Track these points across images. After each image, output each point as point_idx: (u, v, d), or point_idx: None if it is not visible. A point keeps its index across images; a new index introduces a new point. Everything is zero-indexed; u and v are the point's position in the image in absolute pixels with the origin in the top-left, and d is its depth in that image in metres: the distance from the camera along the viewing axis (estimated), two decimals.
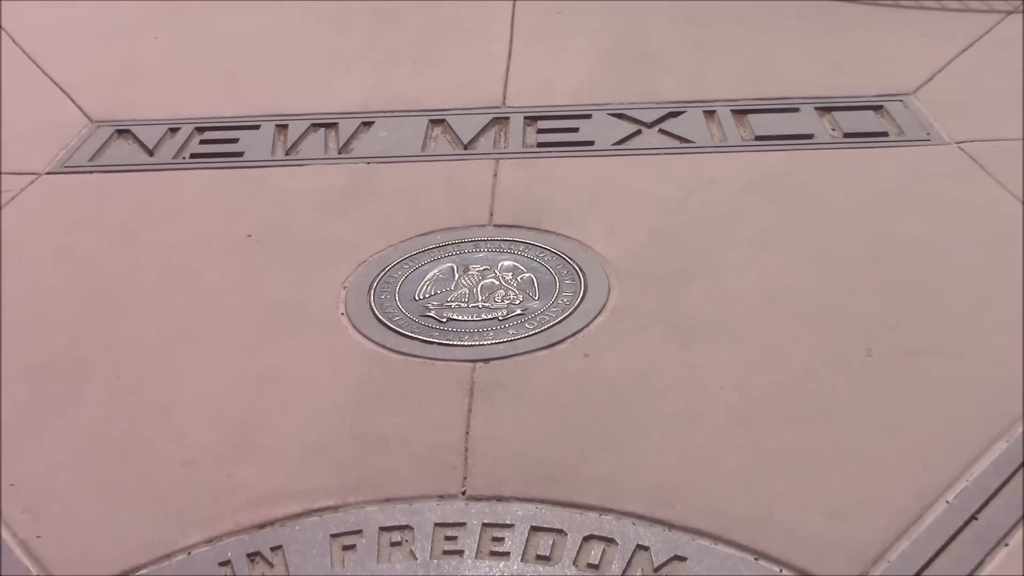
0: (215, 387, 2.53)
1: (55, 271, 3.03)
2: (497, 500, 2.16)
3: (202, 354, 2.65)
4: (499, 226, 3.11)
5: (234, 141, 3.67)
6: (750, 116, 3.65)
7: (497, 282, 2.85)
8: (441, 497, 2.18)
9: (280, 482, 2.24)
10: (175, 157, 3.60)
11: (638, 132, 3.61)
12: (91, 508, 2.21)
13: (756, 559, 2.02)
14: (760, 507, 2.12)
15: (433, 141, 3.64)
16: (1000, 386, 2.39)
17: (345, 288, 2.86)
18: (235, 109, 3.89)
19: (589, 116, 3.72)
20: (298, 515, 2.15)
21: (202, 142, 3.68)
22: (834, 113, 3.64)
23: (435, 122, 3.73)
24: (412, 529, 2.10)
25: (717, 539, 2.05)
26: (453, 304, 2.77)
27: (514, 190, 3.29)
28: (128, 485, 2.26)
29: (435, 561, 2.04)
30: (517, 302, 2.77)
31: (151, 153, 3.63)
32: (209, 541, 2.10)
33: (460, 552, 2.06)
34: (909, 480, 2.16)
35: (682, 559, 2.02)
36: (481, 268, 2.90)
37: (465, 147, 3.57)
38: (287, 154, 3.59)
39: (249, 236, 3.12)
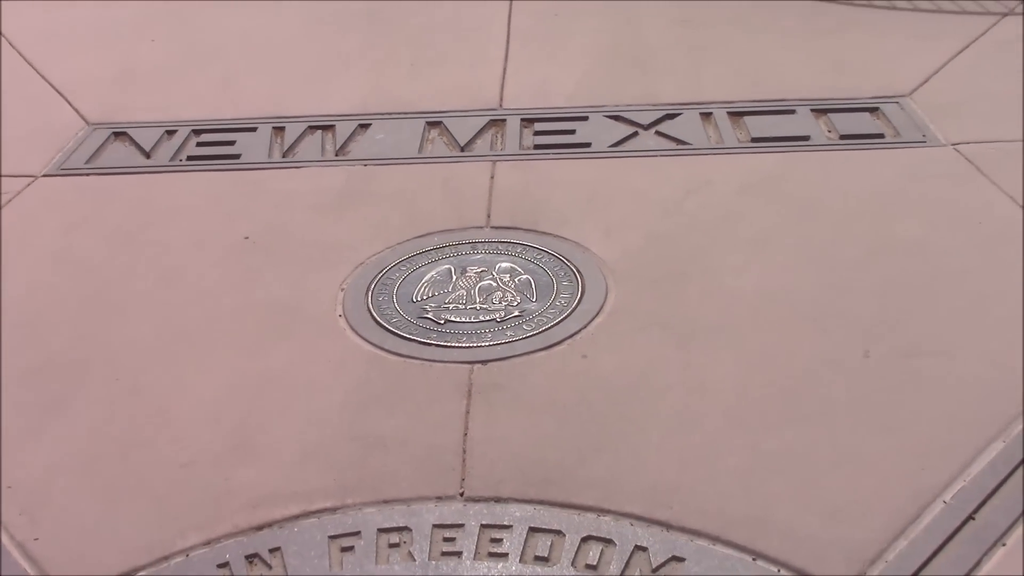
0: (213, 389, 2.53)
1: (52, 273, 3.03)
2: (495, 501, 2.17)
3: (200, 356, 2.65)
4: (496, 228, 3.11)
5: (231, 143, 3.67)
6: (746, 118, 3.66)
7: (495, 284, 2.85)
8: (439, 498, 2.18)
9: (278, 484, 2.24)
10: (172, 159, 3.60)
11: (635, 134, 3.62)
12: (89, 510, 2.21)
13: (754, 559, 2.02)
14: (758, 507, 2.12)
15: (430, 143, 3.64)
16: (997, 386, 2.39)
17: (343, 290, 2.86)
18: (232, 111, 3.89)
19: (586, 118, 3.73)
20: (296, 517, 2.15)
21: (199, 144, 3.68)
22: (830, 115, 3.65)
23: (432, 124, 3.74)
24: (410, 530, 2.10)
25: (715, 539, 2.06)
26: (451, 306, 2.77)
27: (511, 192, 3.29)
28: (126, 487, 2.26)
29: (433, 562, 2.04)
30: (515, 304, 2.77)
31: (148, 155, 3.63)
32: (207, 543, 2.10)
33: (458, 553, 2.06)
34: (907, 480, 2.16)
35: (680, 560, 2.02)
36: (479, 270, 2.90)
37: (462, 149, 3.58)
38: (284, 156, 3.59)
39: (246, 238, 3.12)
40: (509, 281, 2.86)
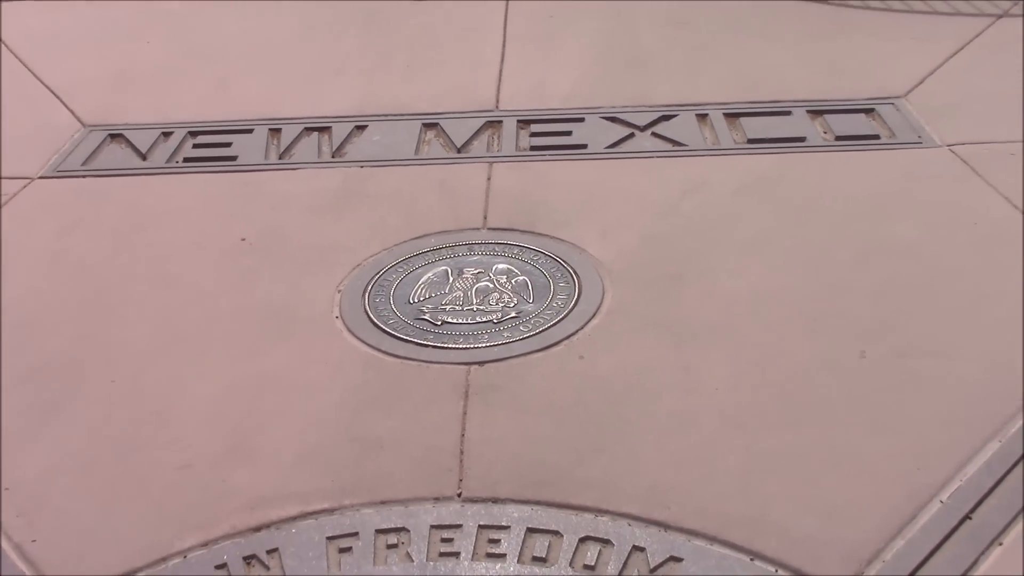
0: (210, 391, 2.53)
1: (49, 275, 3.02)
2: (493, 502, 2.17)
3: (197, 358, 2.65)
4: (493, 229, 3.11)
5: (227, 145, 3.67)
6: (742, 119, 3.67)
7: (491, 285, 2.85)
8: (437, 499, 2.18)
9: (276, 485, 2.24)
10: (168, 161, 3.60)
11: (631, 135, 3.62)
12: (87, 512, 2.20)
13: (752, 559, 2.02)
14: (755, 508, 2.12)
15: (426, 145, 3.64)
16: (993, 386, 2.40)
17: (340, 291, 2.86)
18: (228, 113, 3.89)
19: (582, 120, 3.73)
20: (294, 518, 2.15)
21: (195, 146, 3.68)
22: (826, 116, 3.66)
23: (428, 126, 3.74)
24: (408, 531, 2.11)
25: (713, 540, 2.06)
26: (448, 307, 2.77)
27: (508, 193, 3.29)
28: (124, 489, 2.26)
29: (431, 563, 2.04)
30: (512, 305, 2.77)
31: (144, 157, 3.63)
32: (205, 544, 2.10)
33: (456, 554, 2.06)
34: (903, 480, 2.17)
35: (678, 560, 2.02)
36: (475, 271, 2.91)
37: (458, 151, 3.58)
38: (280, 158, 3.59)
39: (243, 240, 3.12)
40: (506, 282, 2.86)
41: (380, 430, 2.37)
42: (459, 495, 2.19)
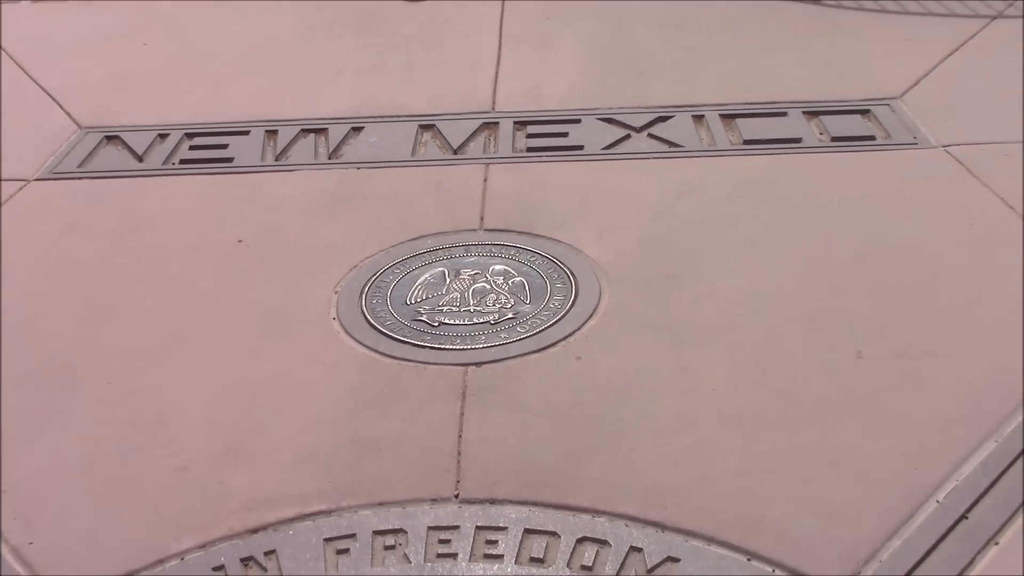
0: (207, 392, 2.53)
1: (45, 277, 3.02)
2: (490, 503, 2.17)
3: (194, 359, 2.65)
4: (490, 230, 3.11)
5: (224, 147, 3.67)
6: (738, 120, 3.67)
7: (488, 286, 2.85)
8: (434, 500, 2.18)
9: (273, 487, 2.24)
10: (164, 163, 3.60)
11: (627, 136, 3.63)
12: (84, 514, 2.20)
13: (749, 559, 2.03)
14: (753, 508, 2.13)
15: (423, 146, 3.64)
16: (989, 386, 2.41)
17: (336, 293, 2.86)
18: (225, 115, 3.89)
19: (578, 121, 3.73)
20: (291, 520, 2.15)
21: (192, 148, 3.68)
22: (822, 117, 3.67)
23: (425, 127, 3.74)
24: (405, 533, 2.11)
25: (710, 540, 2.06)
26: (445, 308, 2.77)
27: (504, 194, 3.30)
28: (121, 491, 2.26)
29: (429, 564, 2.04)
30: (508, 306, 2.77)
31: (140, 159, 3.63)
32: (203, 546, 2.10)
33: (454, 555, 2.06)
34: (900, 480, 2.17)
35: (675, 560, 2.03)
36: (472, 272, 2.91)
37: (455, 152, 3.58)
38: (277, 159, 3.59)
39: (240, 242, 3.12)
40: (503, 283, 2.86)
41: (377, 431, 2.37)
42: (456, 496, 2.19)
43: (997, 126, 3.51)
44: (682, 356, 2.57)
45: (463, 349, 2.62)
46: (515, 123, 3.73)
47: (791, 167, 3.39)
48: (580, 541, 2.07)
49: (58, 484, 2.28)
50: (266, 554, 2.07)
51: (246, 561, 2.06)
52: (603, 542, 2.06)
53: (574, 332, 2.66)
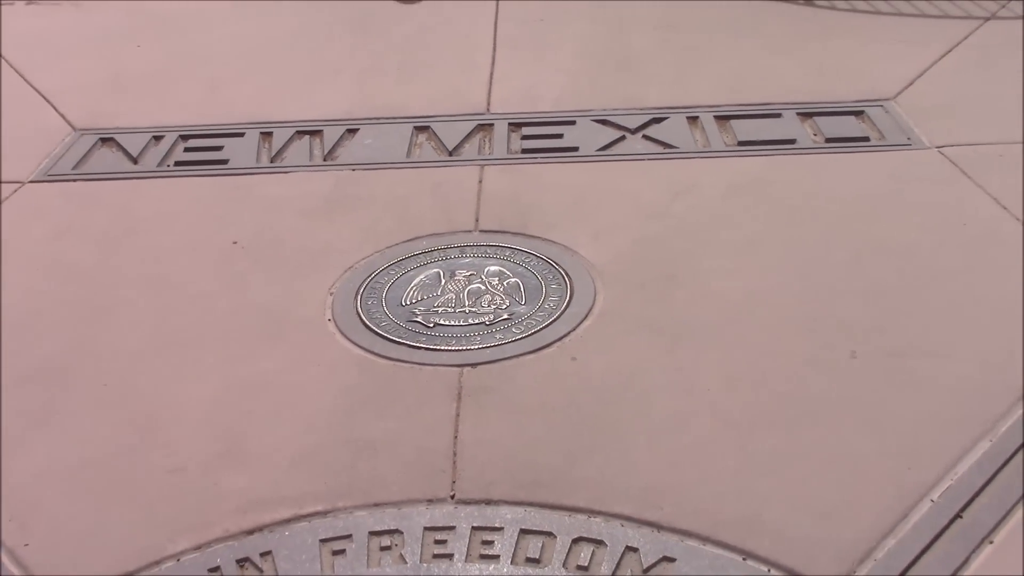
0: (202, 394, 2.53)
1: (40, 280, 3.01)
2: (486, 503, 2.17)
3: (189, 361, 2.64)
4: (485, 231, 3.12)
5: (219, 149, 3.66)
6: (733, 122, 3.68)
7: (484, 287, 2.86)
8: (430, 501, 2.18)
9: (269, 488, 2.24)
10: (159, 165, 3.59)
11: (622, 138, 3.63)
12: (79, 516, 2.20)
13: (744, 559, 2.03)
14: (748, 508, 2.13)
15: (418, 148, 3.65)
16: (983, 385, 2.41)
17: (332, 294, 2.86)
18: (219, 117, 3.89)
19: (573, 122, 3.74)
20: (287, 521, 2.15)
21: (186, 150, 3.68)
22: (816, 118, 3.68)
23: (420, 129, 3.74)
24: (401, 533, 2.11)
25: (706, 540, 2.07)
26: (440, 309, 2.78)
27: (499, 196, 3.30)
28: (116, 493, 2.25)
29: (425, 565, 2.04)
30: (504, 307, 2.78)
31: (135, 161, 3.62)
32: (198, 547, 2.10)
33: (450, 556, 2.06)
34: (894, 479, 2.18)
35: (671, 560, 2.03)
36: (467, 273, 2.91)
37: (450, 153, 3.58)
38: (272, 161, 3.59)
39: (235, 243, 3.12)
40: (498, 284, 2.87)
41: (373, 432, 2.38)
42: (452, 497, 2.19)
43: (991, 127, 3.53)
44: (677, 356, 2.57)
45: (458, 350, 2.62)
46: (510, 124, 3.74)
47: (785, 168, 3.40)
48: (576, 541, 2.07)
49: (54, 485, 2.28)
50: (262, 555, 2.07)
51: (242, 562, 2.06)
52: (599, 542, 2.07)
53: (569, 333, 2.67)
